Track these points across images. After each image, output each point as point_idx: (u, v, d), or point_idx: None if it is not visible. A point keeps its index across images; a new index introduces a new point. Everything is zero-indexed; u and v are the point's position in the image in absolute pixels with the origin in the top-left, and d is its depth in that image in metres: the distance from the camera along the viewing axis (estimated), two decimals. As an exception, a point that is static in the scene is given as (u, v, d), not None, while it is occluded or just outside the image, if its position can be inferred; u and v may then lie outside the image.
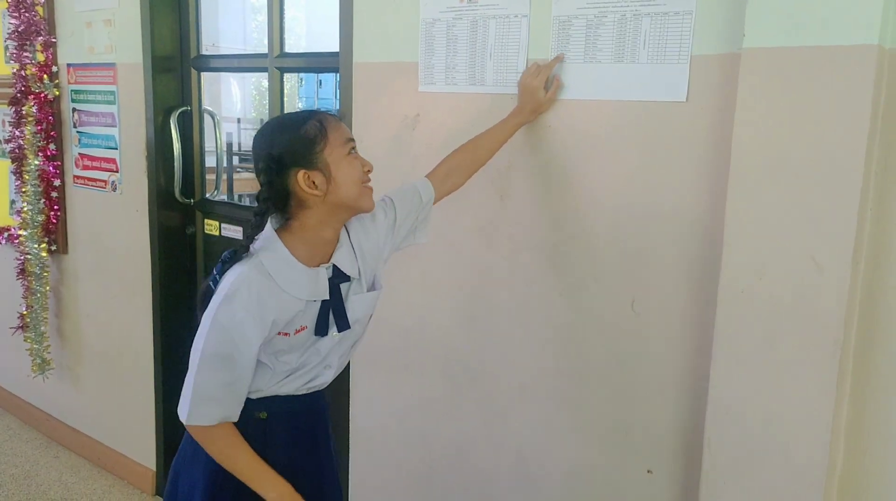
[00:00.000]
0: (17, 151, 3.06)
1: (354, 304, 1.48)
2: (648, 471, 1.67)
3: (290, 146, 1.37)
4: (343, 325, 1.47)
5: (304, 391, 1.51)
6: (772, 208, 1.37)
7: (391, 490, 2.18)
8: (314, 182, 1.36)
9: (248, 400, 1.44)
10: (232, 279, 1.34)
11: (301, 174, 1.36)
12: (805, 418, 1.37)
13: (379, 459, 2.21)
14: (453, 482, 2.05)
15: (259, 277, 1.35)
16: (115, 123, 2.84)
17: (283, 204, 1.40)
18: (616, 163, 1.65)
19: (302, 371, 1.48)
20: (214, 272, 1.39)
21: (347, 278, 1.47)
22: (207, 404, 1.37)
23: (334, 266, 1.45)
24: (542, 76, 1.69)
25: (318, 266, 1.43)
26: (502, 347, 1.90)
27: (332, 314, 1.45)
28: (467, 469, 2.02)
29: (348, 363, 2.00)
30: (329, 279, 1.44)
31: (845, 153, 1.30)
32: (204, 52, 2.77)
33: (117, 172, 2.87)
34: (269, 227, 1.40)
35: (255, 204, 1.38)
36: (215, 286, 1.37)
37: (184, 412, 1.37)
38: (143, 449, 3.00)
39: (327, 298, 1.43)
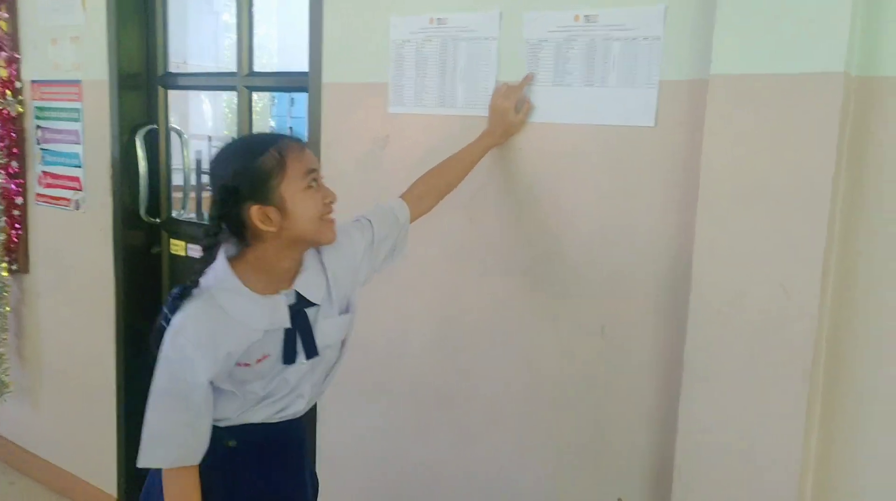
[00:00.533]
0: (-23, 168, 2.99)
1: (324, 329, 1.43)
2: (619, 499, 1.65)
3: (246, 178, 1.31)
4: (311, 351, 1.42)
5: (277, 420, 1.46)
6: (740, 233, 1.37)
7: (358, 517, 2.14)
8: (269, 217, 1.31)
9: (216, 428, 1.39)
10: (181, 316, 1.30)
11: (255, 209, 1.30)
12: (775, 444, 1.36)
13: (347, 484, 2.16)
14: (422, 509, 2.02)
15: (210, 310, 1.30)
16: (80, 141, 2.78)
17: (237, 234, 1.35)
18: (586, 187, 1.64)
19: (270, 400, 1.42)
20: (165, 310, 1.34)
21: (313, 304, 1.42)
22: (161, 445, 1.32)
23: (297, 292, 1.40)
24: (512, 98, 1.67)
25: (278, 293, 1.38)
26: (472, 371, 1.88)
27: (300, 340, 1.40)
28: (437, 494, 1.98)
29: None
30: (291, 306, 1.39)
31: (812, 179, 1.30)
32: (172, 69, 2.73)
33: (81, 190, 2.81)
34: (221, 257, 1.35)
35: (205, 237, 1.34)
36: (167, 324, 1.32)
37: (140, 453, 1.33)
38: (104, 475, 2.91)
39: (288, 326, 1.38)
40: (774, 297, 1.34)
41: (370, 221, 1.55)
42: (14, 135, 2.96)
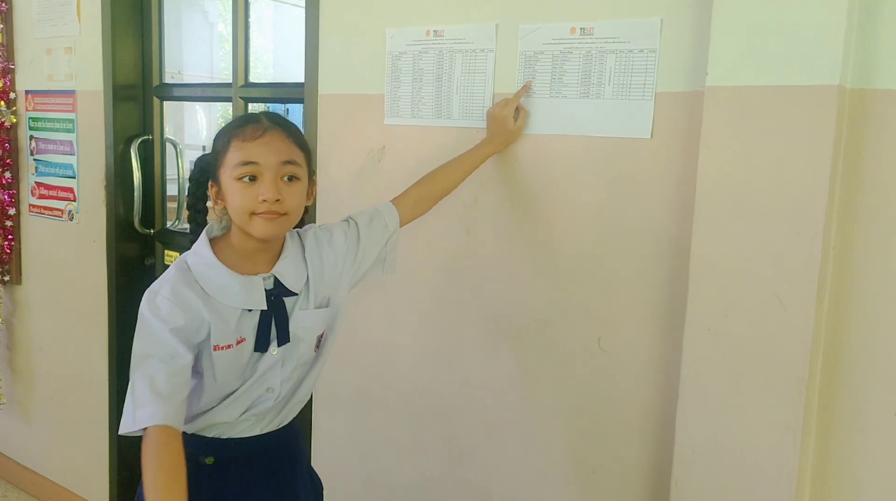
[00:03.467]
0: (-30, 178, 2.98)
1: (298, 319, 1.40)
2: (615, 511, 1.64)
3: (209, 155, 1.38)
4: (283, 337, 1.38)
5: (258, 431, 1.43)
6: (736, 245, 1.37)
7: (353, 530, 2.12)
8: (217, 198, 1.35)
9: (191, 442, 1.35)
10: (158, 280, 1.33)
11: (210, 185, 1.38)
12: (772, 457, 1.36)
13: (335, 497, 2.14)
14: (417, 522, 2.00)
15: (186, 277, 1.32)
16: (74, 152, 2.77)
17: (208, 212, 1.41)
18: (582, 199, 1.64)
19: (240, 392, 1.38)
20: None
21: (291, 293, 1.40)
22: (143, 404, 1.22)
23: (275, 278, 1.39)
24: (510, 106, 1.67)
25: (256, 275, 1.37)
26: (467, 383, 1.87)
27: (275, 326, 1.37)
28: (431, 509, 1.97)
29: (310, 402, 1.94)
30: (269, 291, 1.37)
31: (808, 191, 1.31)
32: (167, 80, 2.73)
33: (75, 201, 2.80)
34: (202, 235, 1.38)
35: None
36: None
37: (122, 420, 1.25)
38: (96, 488, 2.88)
39: (265, 308, 1.36)
40: (771, 310, 1.34)
41: (357, 224, 1.54)
42: (7, 145, 2.95)
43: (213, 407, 1.38)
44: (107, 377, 2.78)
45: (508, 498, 1.82)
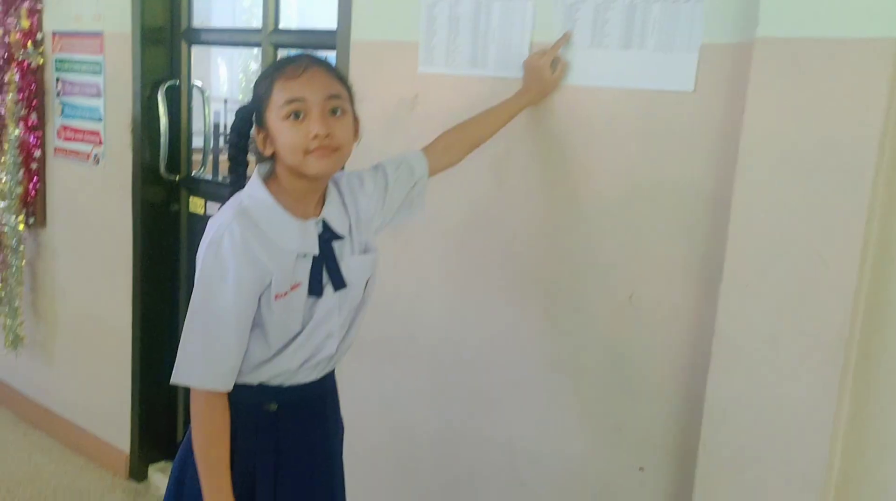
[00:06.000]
0: (-3, 120, 2.98)
1: (349, 264, 1.41)
2: (640, 468, 1.64)
3: (252, 101, 1.36)
4: (339, 282, 1.39)
5: (315, 376, 1.45)
6: (779, 202, 1.34)
7: (375, 482, 2.14)
8: (265, 142, 1.33)
9: (255, 389, 1.38)
10: (215, 227, 1.30)
11: (256, 131, 1.35)
12: (805, 418, 1.35)
13: (362, 450, 2.16)
14: (440, 475, 2.01)
15: (244, 222, 1.30)
16: (100, 94, 2.76)
17: (256, 154, 1.38)
18: (619, 152, 1.61)
19: (301, 340, 1.38)
20: None
21: (339, 237, 1.41)
22: (195, 364, 1.32)
23: (324, 222, 1.39)
24: (548, 56, 1.64)
25: (308, 220, 1.37)
26: (494, 338, 1.86)
27: (327, 271, 1.38)
28: (454, 463, 1.98)
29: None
30: (319, 235, 1.38)
31: (857, 148, 1.27)
32: (195, 26, 2.70)
33: (101, 144, 2.79)
34: (255, 174, 1.36)
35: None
36: None
37: (175, 370, 1.33)
38: (117, 431, 2.92)
39: (317, 253, 1.36)
40: (812, 266, 1.31)
41: (384, 169, 1.54)
42: (34, 87, 2.94)
43: (276, 356, 1.38)
44: (130, 321, 2.80)
45: (531, 452, 1.82)
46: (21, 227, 3.02)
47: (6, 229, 3.03)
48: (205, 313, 1.31)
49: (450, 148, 1.64)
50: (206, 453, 1.34)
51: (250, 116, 1.36)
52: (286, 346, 1.38)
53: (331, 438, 1.54)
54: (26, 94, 2.93)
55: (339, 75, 1.37)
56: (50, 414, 3.21)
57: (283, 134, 1.29)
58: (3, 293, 3.09)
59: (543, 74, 1.64)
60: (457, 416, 1.95)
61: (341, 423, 1.61)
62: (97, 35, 2.72)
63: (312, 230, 1.37)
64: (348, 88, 1.38)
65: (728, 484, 1.43)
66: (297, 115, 1.29)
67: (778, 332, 1.36)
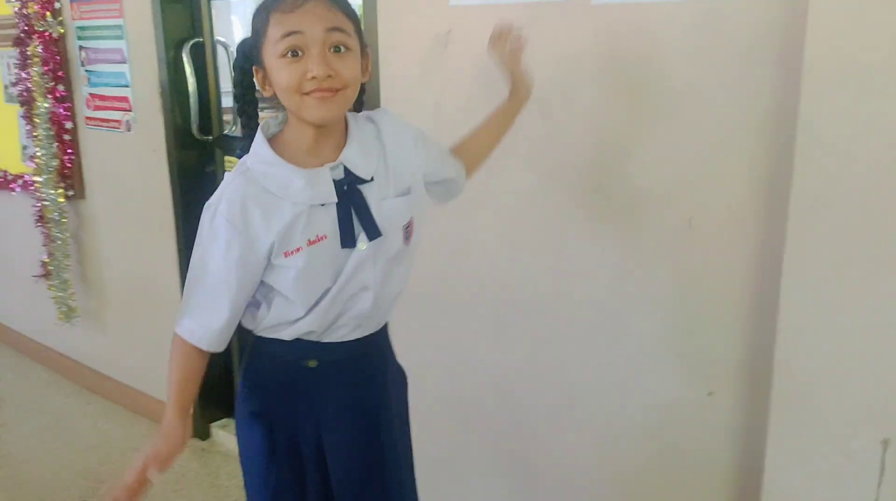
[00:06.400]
0: (25, 94, 2.96)
1: (382, 209, 1.30)
2: (710, 393, 1.61)
3: (248, 38, 1.26)
4: (373, 231, 1.28)
5: (357, 334, 1.39)
6: (849, 112, 1.27)
7: (433, 424, 2.14)
8: (264, 81, 1.24)
9: (289, 345, 1.35)
10: (217, 191, 1.27)
11: (255, 70, 1.26)
12: (883, 333, 1.29)
13: (419, 393, 2.16)
14: (498, 416, 2.01)
15: (245, 184, 1.24)
16: (125, 60, 2.72)
17: (262, 100, 1.31)
18: (671, 71, 1.54)
19: (333, 293, 1.30)
20: None
21: (363, 181, 1.29)
22: (185, 314, 1.32)
23: (345, 167, 1.28)
24: (501, 44, 1.52)
25: (322, 166, 1.26)
26: (548, 272, 1.82)
27: (358, 219, 1.28)
28: (512, 403, 1.97)
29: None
30: (340, 181, 1.27)
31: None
32: (213, -21, 2.63)
33: (131, 110, 2.77)
34: (259, 133, 1.29)
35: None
36: None
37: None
38: (176, 392, 2.97)
39: (335, 200, 1.26)
40: (885, 178, 1.24)
41: (432, 143, 1.45)
42: (58, 58, 2.91)
43: (308, 313, 1.32)
44: (178, 283, 2.81)
45: (596, 383, 1.80)
46: (61, 199, 3.04)
47: (47, 203, 3.04)
48: (199, 272, 1.29)
49: (470, 153, 1.55)
50: (170, 390, 1.36)
51: (251, 52, 1.26)
52: (317, 302, 1.31)
53: (380, 396, 1.47)
54: (51, 65, 2.90)
55: (343, 7, 1.22)
56: (110, 381, 3.27)
57: (279, 73, 1.19)
58: (51, 267, 3.13)
59: (516, 77, 1.55)
60: (513, 356, 1.93)
61: (400, 377, 1.58)
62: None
63: (326, 177, 1.26)
64: (355, 21, 1.24)
65: (804, 409, 1.39)
66: (294, 53, 1.17)
67: (851, 248, 1.30)
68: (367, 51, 1.29)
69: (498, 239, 1.90)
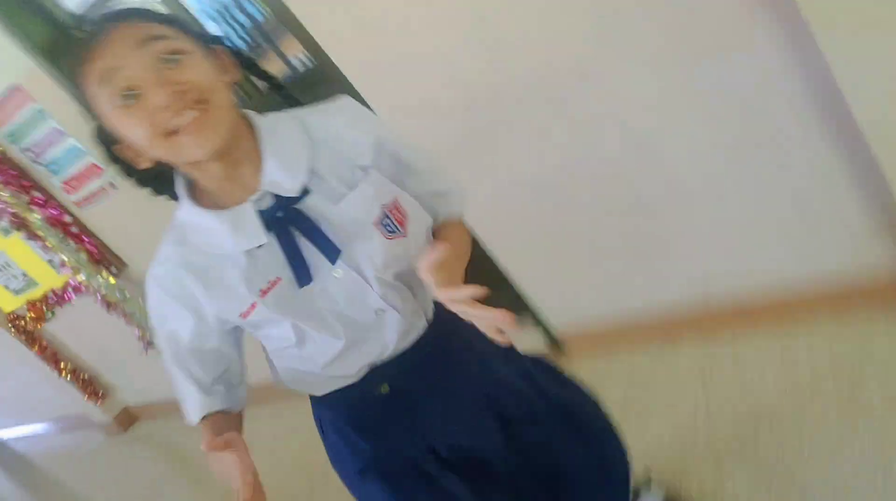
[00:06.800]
0: (14, 219, 2.99)
1: (339, 214, 1.05)
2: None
3: (92, 123, 1.00)
4: (331, 251, 1.04)
5: (407, 342, 1.17)
6: None
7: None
8: (132, 154, 0.99)
9: (355, 385, 1.18)
10: (153, 261, 1.10)
11: (117, 150, 1.01)
12: None
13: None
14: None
15: (175, 247, 1.07)
16: (65, 132, 2.67)
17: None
18: None
19: (347, 341, 1.11)
20: None
21: (297, 198, 1.04)
22: (186, 400, 1.16)
23: (269, 192, 1.03)
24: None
25: (246, 200, 1.02)
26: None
27: (311, 242, 1.04)
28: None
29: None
30: (271, 208, 1.03)
31: None
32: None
33: (104, 171, 2.74)
34: (178, 182, 1.07)
35: None
36: None
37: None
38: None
39: (263, 240, 1.03)
40: None
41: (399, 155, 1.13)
42: (13, 171, 2.90)
43: (334, 360, 1.13)
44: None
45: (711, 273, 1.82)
46: (112, 281, 3.10)
47: (103, 290, 3.12)
48: (163, 348, 1.15)
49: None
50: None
51: (102, 134, 1.00)
52: (333, 359, 1.13)
53: (474, 388, 1.25)
54: (13, 182, 2.89)
55: (150, 16, 0.97)
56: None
57: (127, 129, 0.94)
58: (149, 336, 3.24)
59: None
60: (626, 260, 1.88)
61: (523, 363, 1.36)
62: (15, 91, 2.59)
63: (250, 214, 1.02)
64: (175, 22, 0.99)
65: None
66: (126, 96, 0.92)
67: None
68: (215, 47, 1.03)
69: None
